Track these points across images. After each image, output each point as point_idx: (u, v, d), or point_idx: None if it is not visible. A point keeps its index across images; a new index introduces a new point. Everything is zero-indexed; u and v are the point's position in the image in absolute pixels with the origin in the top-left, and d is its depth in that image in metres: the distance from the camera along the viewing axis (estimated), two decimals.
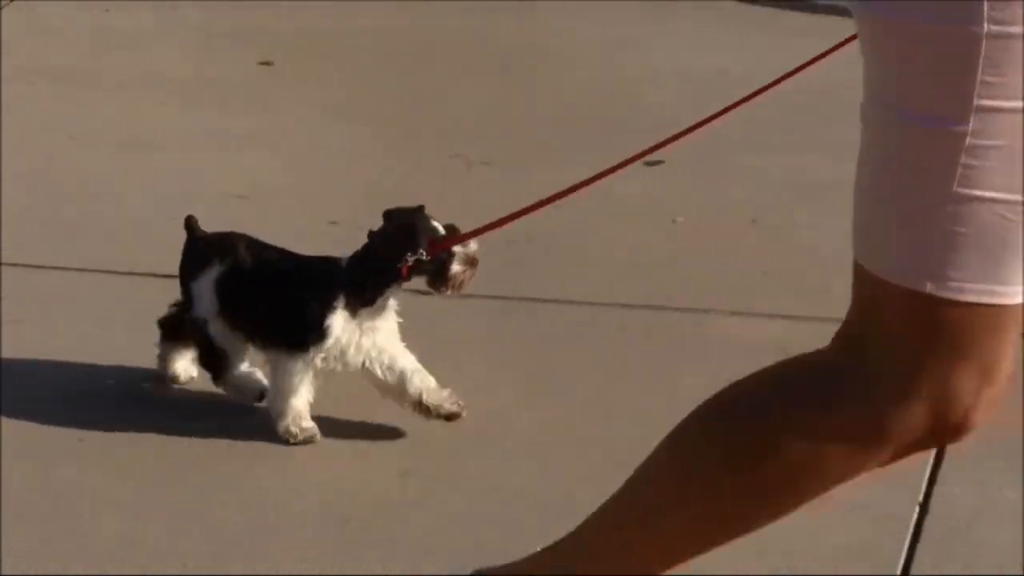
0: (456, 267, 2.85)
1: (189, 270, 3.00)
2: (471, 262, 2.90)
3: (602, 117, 5.05)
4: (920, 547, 2.71)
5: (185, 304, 3.01)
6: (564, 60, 5.66)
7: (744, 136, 4.88)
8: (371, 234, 2.88)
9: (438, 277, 2.86)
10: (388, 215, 2.90)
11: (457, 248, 2.86)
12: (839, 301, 3.49)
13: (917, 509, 2.81)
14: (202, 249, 2.98)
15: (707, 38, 5.81)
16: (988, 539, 2.75)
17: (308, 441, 2.95)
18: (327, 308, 2.85)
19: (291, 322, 2.88)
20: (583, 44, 5.80)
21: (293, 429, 2.94)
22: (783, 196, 4.34)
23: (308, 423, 2.96)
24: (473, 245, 2.90)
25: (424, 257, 2.81)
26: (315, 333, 2.86)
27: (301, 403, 2.94)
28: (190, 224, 3.03)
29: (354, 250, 2.90)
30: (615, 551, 1.98)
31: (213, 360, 3.00)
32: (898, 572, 2.64)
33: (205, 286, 2.95)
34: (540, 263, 3.80)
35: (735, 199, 4.30)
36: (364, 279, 2.85)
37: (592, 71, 5.50)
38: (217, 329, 2.96)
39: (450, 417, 2.95)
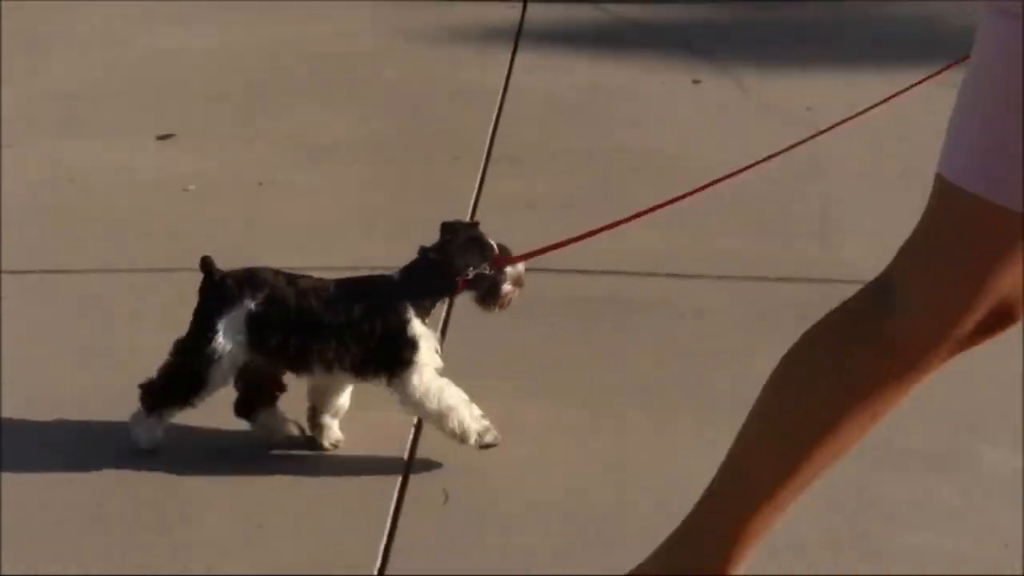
0: (507, 286, 2.89)
1: (220, 310, 2.83)
2: (519, 282, 2.92)
3: (120, 92, 5.28)
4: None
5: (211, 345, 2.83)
6: (90, 40, 5.84)
7: (250, 103, 5.18)
8: (426, 249, 2.87)
9: (489, 294, 2.88)
10: (446, 228, 2.89)
11: (508, 268, 2.89)
12: (350, 254, 3.86)
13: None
14: (231, 288, 2.84)
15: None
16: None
17: (494, 442, 2.91)
18: (405, 320, 2.81)
19: (381, 345, 2.81)
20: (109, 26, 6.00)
21: (486, 436, 2.90)
22: (288, 159, 4.67)
23: (485, 421, 2.90)
24: (521, 266, 2.91)
25: (487, 272, 2.83)
26: (409, 345, 2.80)
27: (463, 405, 2.86)
28: (207, 264, 2.89)
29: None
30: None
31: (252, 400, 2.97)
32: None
33: (236, 323, 2.82)
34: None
35: (243, 164, 4.61)
36: (423, 289, 2.84)
37: (115, 50, 5.70)
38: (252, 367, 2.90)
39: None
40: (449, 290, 2.87)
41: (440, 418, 2.85)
